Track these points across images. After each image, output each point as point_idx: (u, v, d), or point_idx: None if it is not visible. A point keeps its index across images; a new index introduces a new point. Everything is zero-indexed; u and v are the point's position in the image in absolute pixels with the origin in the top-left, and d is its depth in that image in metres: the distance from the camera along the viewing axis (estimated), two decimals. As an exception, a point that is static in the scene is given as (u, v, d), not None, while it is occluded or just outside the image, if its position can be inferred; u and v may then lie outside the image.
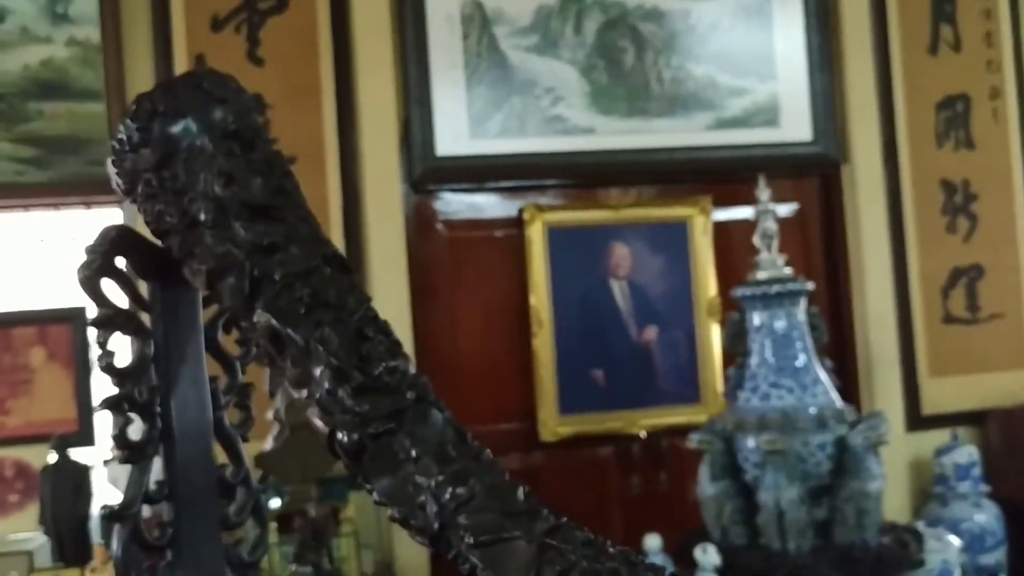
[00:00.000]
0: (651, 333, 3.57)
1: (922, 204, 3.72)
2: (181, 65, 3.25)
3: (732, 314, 2.72)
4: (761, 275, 2.59)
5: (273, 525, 2.57)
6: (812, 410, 2.47)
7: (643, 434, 3.52)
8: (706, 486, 2.54)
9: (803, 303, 2.60)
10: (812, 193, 3.78)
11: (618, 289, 3.57)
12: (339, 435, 0.64)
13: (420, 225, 3.46)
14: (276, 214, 0.72)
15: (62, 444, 2.57)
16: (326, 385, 0.65)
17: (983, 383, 3.73)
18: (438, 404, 0.70)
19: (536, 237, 3.48)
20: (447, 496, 0.61)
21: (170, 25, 3.25)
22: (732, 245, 3.64)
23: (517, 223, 3.49)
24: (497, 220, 3.52)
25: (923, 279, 3.72)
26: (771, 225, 2.65)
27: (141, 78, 3.25)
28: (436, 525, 0.61)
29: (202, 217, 0.69)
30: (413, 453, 0.63)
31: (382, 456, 0.63)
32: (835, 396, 2.55)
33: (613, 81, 3.55)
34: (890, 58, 3.72)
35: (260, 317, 0.67)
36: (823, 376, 2.56)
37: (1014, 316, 3.78)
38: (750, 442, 2.45)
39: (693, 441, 2.55)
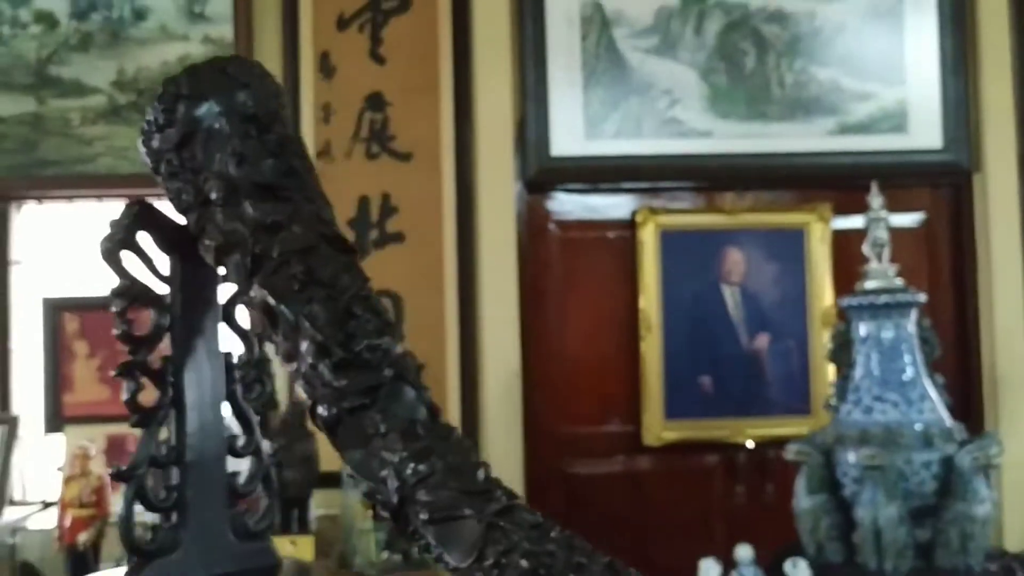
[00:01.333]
0: (762, 341, 3.50)
1: (1062, 218, 3.53)
2: (307, 62, 3.37)
3: (838, 324, 2.64)
4: (869, 284, 2.50)
5: (369, 512, 2.64)
6: (917, 426, 2.37)
7: (750, 444, 3.45)
8: (802, 499, 2.47)
9: (914, 315, 2.51)
10: (941, 203, 3.63)
11: (730, 295, 3.51)
12: (319, 408, 0.66)
13: (533, 225, 3.48)
14: (284, 194, 0.74)
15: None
16: (309, 359, 0.67)
17: (1122, 409, 3.51)
18: (416, 383, 0.71)
19: (648, 239, 3.46)
20: (408, 471, 0.63)
21: (298, 23, 3.37)
22: (851, 254, 3.48)
23: (630, 225, 3.47)
24: (610, 222, 3.51)
25: (1059, 296, 3.52)
26: (882, 234, 2.56)
27: (269, 75, 3.37)
28: (396, 500, 0.62)
29: (214, 196, 0.72)
30: (382, 428, 0.65)
31: (354, 430, 0.65)
32: (944, 413, 2.44)
33: (733, 84, 3.49)
34: (1031, 63, 3.54)
35: (256, 292, 0.70)
36: (932, 392, 2.45)
37: None
38: (850, 456, 2.37)
39: (791, 452, 2.48)
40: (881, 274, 2.51)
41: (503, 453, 3.31)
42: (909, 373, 2.45)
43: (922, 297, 2.52)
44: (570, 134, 3.44)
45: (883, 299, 2.45)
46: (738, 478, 3.46)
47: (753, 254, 3.51)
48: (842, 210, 3.53)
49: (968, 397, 3.57)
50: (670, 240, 3.47)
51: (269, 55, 3.38)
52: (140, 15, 3.35)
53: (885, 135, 3.53)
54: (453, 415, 3.33)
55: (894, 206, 3.54)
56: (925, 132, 3.54)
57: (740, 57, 3.50)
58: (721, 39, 3.50)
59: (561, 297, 3.49)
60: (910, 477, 2.36)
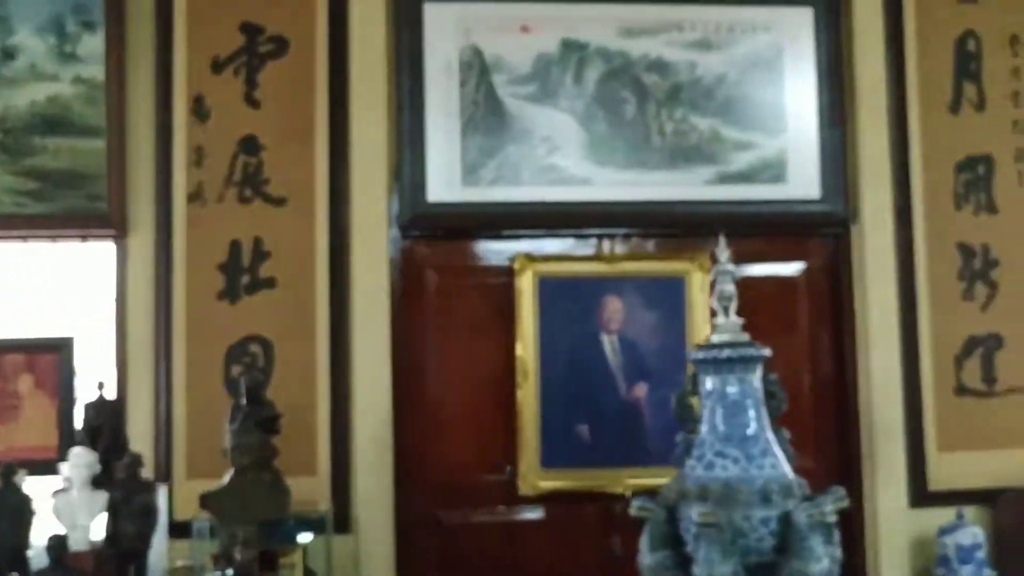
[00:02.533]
0: (641, 390, 3.48)
1: (937, 268, 3.56)
2: (180, 105, 3.34)
3: (685, 377, 2.62)
4: (715, 338, 2.49)
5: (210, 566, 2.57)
6: (757, 483, 2.35)
7: (628, 493, 3.41)
8: (645, 555, 2.43)
9: (759, 369, 2.49)
10: (820, 252, 3.65)
11: (609, 344, 3.49)
12: None
13: (409, 271, 3.45)
14: None
15: (8, 472, 2.61)
16: None
17: (996, 460, 3.53)
18: None
19: (526, 287, 3.44)
20: None
21: (172, 66, 3.34)
22: (731, 303, 3.52)
23: (508, 272, 3.45)
24: (487, 268, 3.49)
25: (935, 347, 3.55)
26: (728, 287, 2.54)
27: (143, 116, 3.34)
28: None
29: None
30: None
31: None
32: (786, 469, 2.42)
33: (612, 131, 3.50)
34: (907, 115, 3.59)
35: None
36: (775, 447, 2.44)
37: (1035, 391, 3.57)
38: (691, 513, 2.35)
39: (634, 508, 2.45)
40: (727, 328, 2.49)
41: (374, 501, 3.26)
42: (752, 428, 2.43)
43: (767, 351, 2.51)
44: (447, 180, 3.42)
45: (726, 353, 2.43)
46: (615, 529, 3.42)
47: (632, 302, 3.50)
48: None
49: (847, 445, 3.57)
50: (548, 288, 3.45)
51: (142, 97, 3.34)
52: (9, 54, 3.30)
53: (764, 185, 3.55)
54: (323, 462, 3.28)
55: (774, 255, 3.61)
56: (804, 182, 3.56)
57: (620, 105, 3.51)
58: (601, 87, 3.50)
59: (437, 344, 3.46)
60: (749, 534, 2.33)
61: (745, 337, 2.51)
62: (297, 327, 3.31)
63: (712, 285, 2.60)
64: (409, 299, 3.44)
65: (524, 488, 3.39)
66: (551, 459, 3.41)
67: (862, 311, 3.55)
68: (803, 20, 3.59)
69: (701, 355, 2.47)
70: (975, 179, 3.59)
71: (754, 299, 3.53)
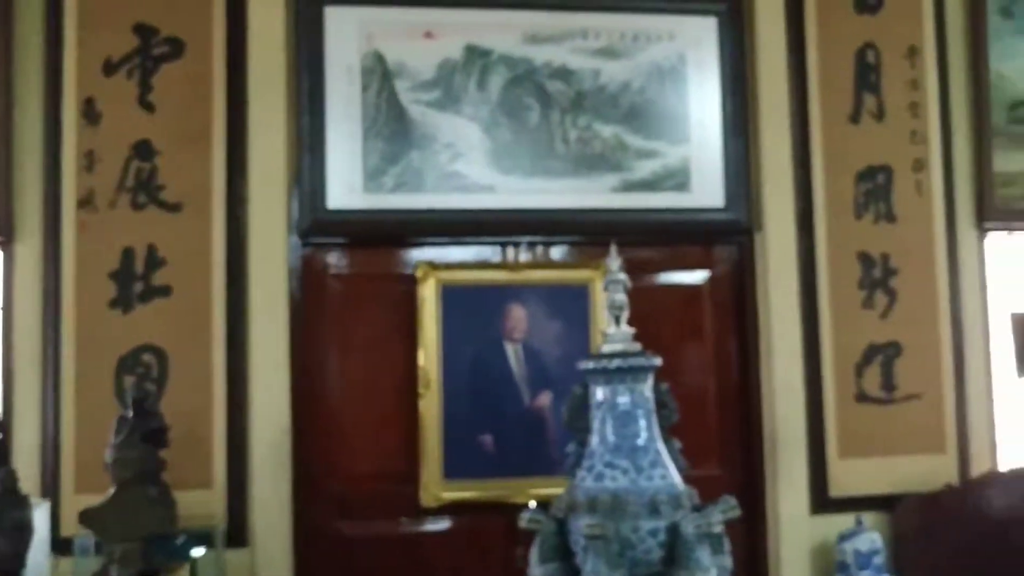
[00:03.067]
0: (545, 399, 3.46)
1: (838, 277, 3.59)
2: (71, 108, 3.24)
3: (575, 387, 2.61)
4: (606, 348, 2.47)
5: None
6: (646, 494, 2.34)
7: (532, 504, 3.38)
8: (535, 567, 2.41)
9: (650, 379, 2.48)
10: (724, 261, 3.66)
11: (513, 352, 3.47)
12: None
13: (308, 278, 3.39)
14: None
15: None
16: None
17: (896, 467, 3.57)
18: None
19: (428, 295, 3.40)
20: None
21: (62, 67, 3.23)
22: (634, 311, 3.51)
23: (410, 280, 3.40)
24: (389, 276, 3.45)
25: (836, 355, 3.58)
26: (620, 296, 2.53)
27: (31, 119, 3.24)
28: None
29: None
30: None
31: None
32: (676, 480, 2.41)
33: (516, 139, 3.48)
34: (809, 125, 3.62)
35: None
36: (666, 458, 2.43)
37: (932, 398, 3.62)
38: (580, 524, 2.33)
39: (523, 520, 2.43)
40: (618, 338, 2.48)
41: (272, 512, 3.20)
42: (642, 439, 2.41)
43: (657, 361, 2.50)
44: (348, 186, 3.37)
45: (616, 363, 2.41)
46: (518, 540, 3.38)
47: (536, 311, 3.48)
48: (626, 268, 3.51)
49: (750, 453, 3.59)
50: (451, 296, 3.42)
51: (30, 99, 3.24)
52: None
53: (668, 193, 3.56)
54: (219, 474, 3.20)
55: (678, 264, 3.61)
56: (707, 191, 3.58)
57: (524, 112, 3.49)
58: (505, 94, 3.48)
59: (338, 353, 3.40)
60: (637, 545, 2.31)
61: (636, 347, 2.49)
62: (193, 336, 3.23)
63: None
64: (309, 307, 3.37)
65: (426, 499, 3.35)
66: (454, 469, 3.37)
67: (765, 319, 3.57)
68: (707, 29, 3.60)
69: (591, 365, 2.45)
70: (875, 188, 3.64)
71: (659, 307, 3.60)
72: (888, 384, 3.60)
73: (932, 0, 3.72)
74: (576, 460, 2.49)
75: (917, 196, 3.66)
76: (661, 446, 2.45)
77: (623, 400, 2.43)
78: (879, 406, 3.59)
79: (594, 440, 2.44)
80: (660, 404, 2.52)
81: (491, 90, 3.47)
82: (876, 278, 3.61)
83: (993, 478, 3.54)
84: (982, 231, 3.76)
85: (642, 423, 2.43)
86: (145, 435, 2.76)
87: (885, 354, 3.60)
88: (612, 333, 2.49)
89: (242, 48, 3.32)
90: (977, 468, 3.62)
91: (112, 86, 3.26)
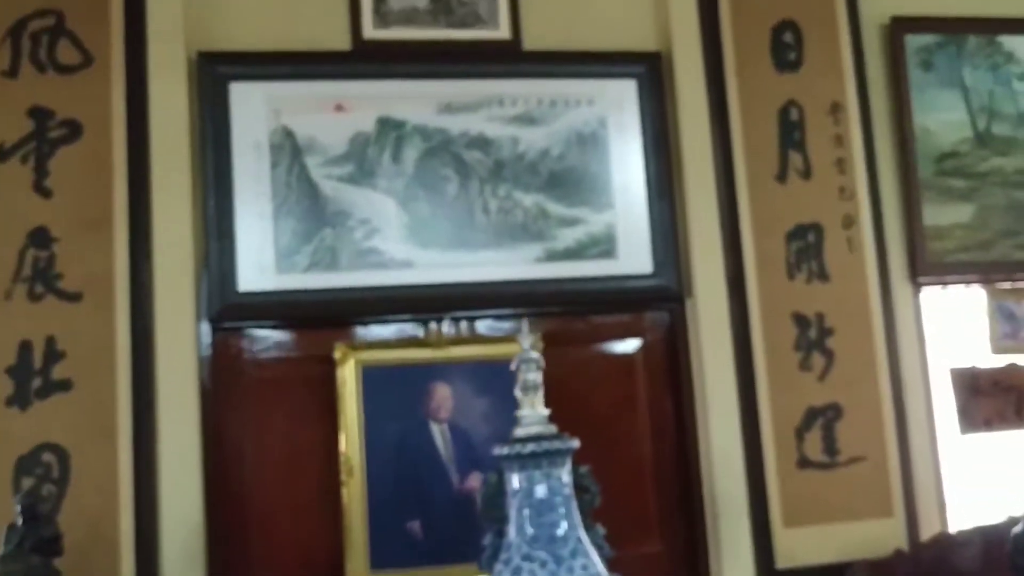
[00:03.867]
0: (475, 481, 3.30)
1: (773, 339, 3.49)
2: (-40, 196, 3.08)
3: (489, 475, 2.48)
4: (519, 432, 2.35)
5: None
6: (567, 587, 2.20)
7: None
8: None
9: (568, 463, 2.35)
10: (656, 328, 3.55)
11: (439, 433, 3.32)
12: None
13: (220, 365, 3.23)
14: None
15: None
16: None
17: (843, 533, 3.44)
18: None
19: (348, 377, 3.25)
20: None
21: (-48, 153, 3.09)
22: (565, 386, 3.39)
23: (328, 362, 3.25)
24: (307, 359, 3.29)
25: (775, 420, 3.46)
26: (533, 376, 2.42)
27: (-80, 210, 3.08)
28: None
29: None
30: None
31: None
32: (600, 569, 2.28)
33: (434, 211, 3.36)
34: (735, 186, 3.54)
35: None
36: (587, 546, 2.29)
37: (876, 460, 3.51)
38: (498, 623, 2.18)
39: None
40: (532, 420, 2.35)
41: (186, 619, 3.00)
42: (562, 528, 2.28)
43: (575, 443, 2.38)
44: (259, 268, 3.23)
45: (529, 448, 2.28)
46: (451, 632, 3.21)
47: (462, 389, 3.34)
48: (553, 341, 3.40)
49: (691, 525, 3.45)
50: (372, 377, 3.27)
51: (-82, 189, 3.08)
52: None
53: (595, 261, 3.45)
54: (128, 578, 3.00)
55: (608, 333, 3.50)
56: (635, 257, 3.48)
57: (441, 183, 3.39)
58: (420, 166, 3.38)
59: (253, 442, 3.23)
60: (560, 645, 2.17)
61: (551, 429, 2.37)
62: (96, 432, 3.04)
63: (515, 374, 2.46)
64: (222, 396, 3.21)
65: (352, 593, 3.17)
66: (381, 559, 3.20)
67: (700, 386, 3.45)
68: (626, 92, 3.53)
69: (505, 451, 2.32)
70: (806, 247, 3.56)
71: (590, 379, 3.48)
72: (830, 448, 3.48)
73: (852, 55, 3.68)
74: (493, 553, 2.36)
75: (849, 253, 3.59)
76: (583, 534, 2.32)
77: (540, 487, 2.31)
78: (822, 471, 3.47)
79: (511, 531, 2.31)
80: (581, 488, 2.40)
81: (406, 162, 3.37)
82: (812, 339, 3.52)
83: (944, 540, 3.42)
84: (916, 286, 3.69)
85: (561, 511, 2.31)
86: (36, 545, 2.57)
87: (825, 417, 3.49)
88: (526, 415, 2.37)
89: (144, 128, 3.19)
90: (927, 531, 3.51)
91: (6, 172, 3.11)
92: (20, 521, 2.60)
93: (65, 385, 3.05)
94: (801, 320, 3.52)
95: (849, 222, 3.60)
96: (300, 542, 3.21)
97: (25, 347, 3.05)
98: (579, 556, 2.26)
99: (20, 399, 3.03)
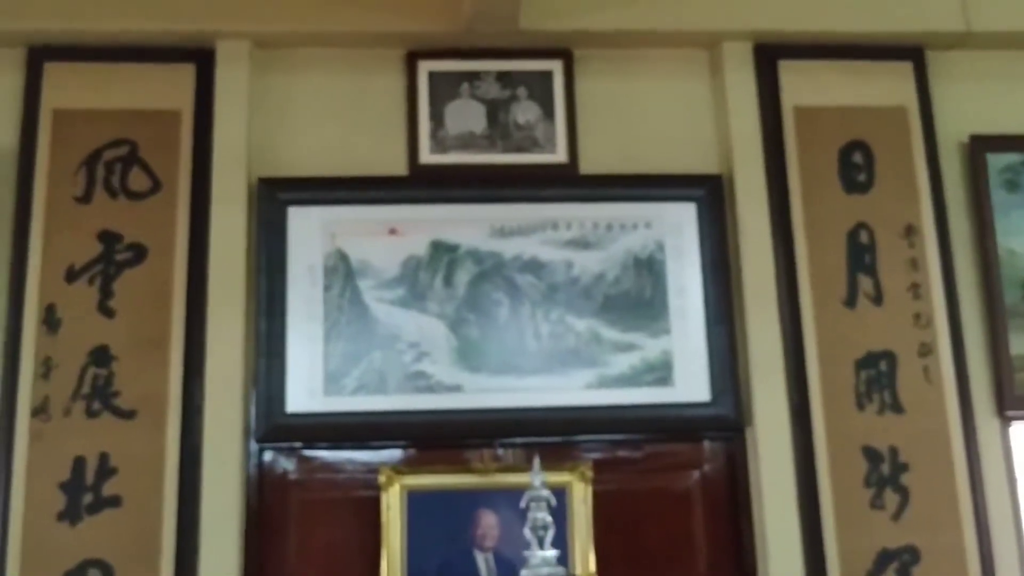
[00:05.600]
0: (519, 614, 3.18)
1: (840, 475, 3.29)
2: (31, 315, 3.23)
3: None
4: (525, 574, 2.25)
5: None
6: None
7: None
8: None
9: (578, 609, 2.24)
10: (713, 459, 3.40)
11: (484, 562, 3.23)
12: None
13: (266, 486, 3.24)
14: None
15: None
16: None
17: None
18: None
19: (393, 502, 3.20)
20: None
21: (25, 273, 3.25)
22: (616, 516, 3.27)
23: (373, 486, 3.22)
24: (352, 482, 3.27)
25: (844, 562, 3.23)
26: (542, 516, 2.32)
27: (-6, 327, 3.24)
28: None
29: None
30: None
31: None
32: None
33: (484, 335, 3.34)
34: (800, 311, 3.39)
35: None
36: None
37: (959, 610, 3.23)
38: None
39: None
40: (540, 563, 2.25)
41: None
42: None
43: (585, 588, 2.26)
44: (308, 389, 3.26)
45: (534, 593, 2.18)
46: None
47: (508, 517, 3.24)
48: (605, 470, 3.29)
49: (753, 674, 3.23)
50: (417, 503, 3.22)
51: (-6, 307, 3.25)
52: None
53: (650, 387, 3.35)
54: None
55: (662, 464, 3.37)
56: (691, 384, 3.36)
57: (493, 307, 3.37)
58: (472, 289, 3.37)
59: (295, 565, 3.21)
60: None
61: (560, 572, 2.26)
62: (141, 550, 3.08)
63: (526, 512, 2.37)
64: (266, 516, 3.22)
65: None
66: None
67: (760, 522, 3.26)
68: (685, 215, 3.47)
69: (509, 595, 2.22)
70: (877, 376, 3.37)
71: (643, 512, 3.34)
72: (907, 596, 3.23)
73: (928, 175, 3.52)
74: None
75: (926, 383, 3.38)
76: None
77: (547, 639, 2.18)
78: (898, 621, 3.21)
79: None
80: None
81: (458, 286, 3.37)
82: (884, 475, 3.30)
83: None
84: (1004, 420, 3.43)
85: (568, 662, 2.16)
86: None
87: (900, 560, 3.25)
88: (535, 557, 2.26)
89: (204, 251, 3.29)
90: None
91: (73, 293, 3.25)
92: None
93: (115, 501, 3.12)
94: (872, 454, 3.31)
95: (926, 350, 3.40)
96: (337, 671, 3.14)
97: (79, 463, 3.13)
98: None
99: (71, 514, 3.10)
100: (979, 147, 3.57)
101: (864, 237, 3.47)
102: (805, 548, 3.23)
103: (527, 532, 2.32)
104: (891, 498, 3.29)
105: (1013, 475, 3.41)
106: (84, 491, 3.12)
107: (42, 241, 3.28)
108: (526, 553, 2.29)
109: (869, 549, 3.25)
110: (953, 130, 3.60)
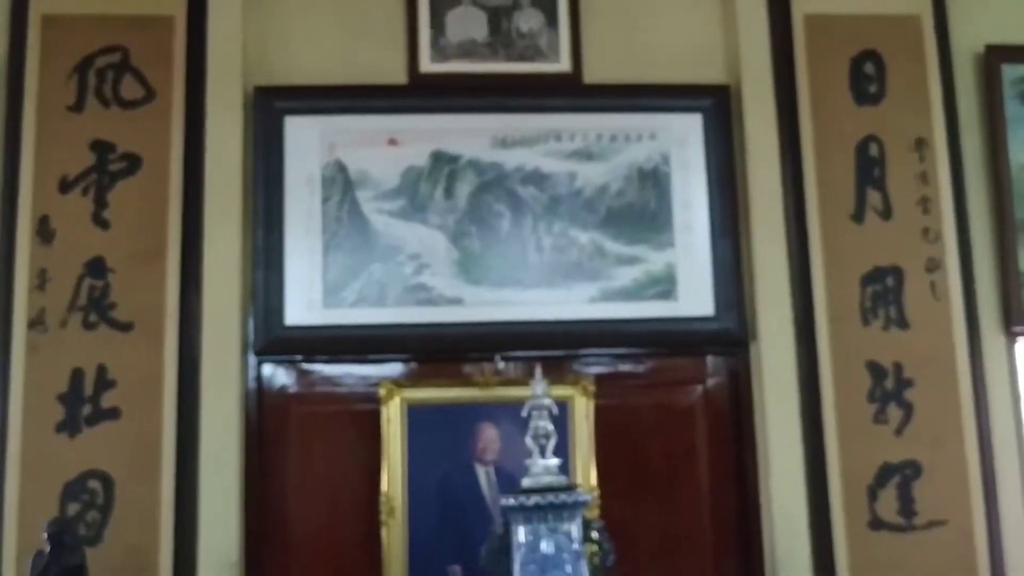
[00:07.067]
0: (519, 527, 3.18)
1: (844, 389, 3.27)
2: (24, 226, 3.17)
3: (493, 527, 2.36)
4: (526, 483, 2.23)
5: None
6: (566, 650, 2.07)
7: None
8: None
9: (578, 518, 2.22)
10: (716, 374, 3.37)
11: (484, 475, 3.22)
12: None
13: (266, 398, 3.23)
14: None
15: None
16: None
17: (919, 603, 3.17)
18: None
19: (393, 416, 3.19)
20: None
21: (18, 185, 3.18)
22: (618, 431, 3.26)
23: (373, 400, 3.20)
24: (351, 395, 3.26)
25: (845, 476, 3.22)
26: (544, 424, 2.30)
27: (-13, 238, 3.18)
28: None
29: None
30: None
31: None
32: (606, 631, 2.14)
33: (485, 248, 3.29)
34: (806, 225, 3.34)
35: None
36: (594, 607, 2.16)
37: (959, 524, 3.23)
38: None
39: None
40: (541, 470, 2.23)
41: (219, 655, 2.98)
42: (568, 585, 2.15)
43: (586, 497, 2.25)
44: (306, 302, 3.22)
45: (534, 500, 2.16)
46: None
47: (510, 431, 3.22)
48: (607, 383, 3.27)
49: (752, 585, 3.25)
50: (417, 416, 3.20)
51: (-13, 218, 3.19)
52: None
53: (653, 301, 3.31)
54: (164, 611, 3.00)
55: (666, 378, 3.34)
56: (696, 298, 3.32)
57: (494, 220, 3.31)
58: (473, 201, 3.31)
59: (295, 477, 3.21)
60: None
61: (562, 480, 2.25)
62: (141, 462, 3.07)
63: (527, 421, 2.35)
64: (265, 429, 3.20)
65: (389, 636, 3.09)
66: (420, 603, 3.11)
67: (763, 436, 3.25)
68: (691, 127, 3.39)
69: (511, 501, 2.21)
70: (883, 292, 3.32)
71: (645, 426, 3.33)
72: (907, 509, 3.22)
73: (940, 88, 3.44)
74: (496, 609, 2.23)
75: (932, 299, 3.34)
76: (590, 593, 2.17)
77: (546, 543, 2.17)
78: (897, 533, 3.21)
79: (514, 586, 2.18)
80: (596, 545, 2.26)
81: (459, 197, 3.31)
82: (888, 390, 3.28)
83: (1035, 616, 3.12)
84: (1010, 336, 3.40)
85: (567, 568, 2.17)
86: (62, 572, 2.59)
87: (902, 475, 3.24)
88: (536, 465, 2.24)
89: (199, 162, 3.23)
90: (1016, 605, 3.20)
91: (67, 204, 3.19)
92: (48, 548, 2.62)
93: (113, 413, 3.10)
94: (876, 369, 3.28)
95: (933, 265, 3.35)
96: (338, 581, 3.15)
97: (77, 374, 3.10)
98: (581, 618, 2.12)
99: (70, 426, 3.08)
100: (994, 57, 3.48)
101: (874, 150, 3.40)
102: (807, 462, 3.23)
103: (529, 440, 2.29)
104: (894, 413, 3.27)
105: (1017, 391, 3.39)
106: (82, 403, 3.09)
107: (34, 151, 3.21)
108: (527, 462, 2.27)
109: (871, 463, 3.24)
110: (968, 40, 3.51)
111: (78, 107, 3.24)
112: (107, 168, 3.22)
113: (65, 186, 3.20)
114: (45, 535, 2.64)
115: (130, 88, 3.27)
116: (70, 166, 3.21)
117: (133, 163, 3.23)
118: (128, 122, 3.24)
